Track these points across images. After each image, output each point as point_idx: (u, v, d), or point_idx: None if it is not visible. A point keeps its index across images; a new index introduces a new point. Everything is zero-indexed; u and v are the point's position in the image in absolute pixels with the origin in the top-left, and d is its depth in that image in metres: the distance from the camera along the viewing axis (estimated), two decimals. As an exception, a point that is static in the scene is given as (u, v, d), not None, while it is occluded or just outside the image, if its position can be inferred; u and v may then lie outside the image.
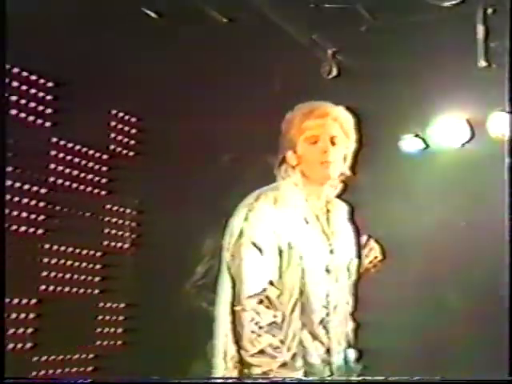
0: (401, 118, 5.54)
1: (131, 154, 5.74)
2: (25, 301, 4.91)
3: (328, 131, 4.31)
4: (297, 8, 5.11)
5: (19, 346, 4.81)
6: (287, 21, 5.24)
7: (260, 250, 4.15)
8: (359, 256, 4.51)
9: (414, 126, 5.62)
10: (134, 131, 5.73)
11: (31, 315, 4.91)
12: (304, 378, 4.16)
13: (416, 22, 4.98)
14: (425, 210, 5.42)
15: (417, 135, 5.71)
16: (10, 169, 4.64)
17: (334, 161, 4.34)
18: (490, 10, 4.88)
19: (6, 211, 4.71)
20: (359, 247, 4.53)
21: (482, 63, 4.96)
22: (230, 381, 4.12)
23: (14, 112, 4.71)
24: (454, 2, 4.75)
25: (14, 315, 4.84)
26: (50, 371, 4.96)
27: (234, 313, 4.19)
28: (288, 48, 5.29)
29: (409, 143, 5.68)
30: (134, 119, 5.76)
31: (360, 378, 4.21)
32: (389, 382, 4.22)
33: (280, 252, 4.19)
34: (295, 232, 4.26)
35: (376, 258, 4.60)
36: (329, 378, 4.24)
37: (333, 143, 4.31)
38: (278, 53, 5.26)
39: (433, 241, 5.40)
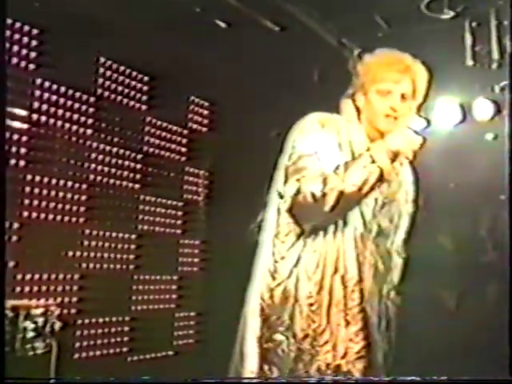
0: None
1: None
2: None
3: (401, 88, 4.58)
4: (329, 17, 6.07)
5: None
6: (322, 27, 6.15)
7: None
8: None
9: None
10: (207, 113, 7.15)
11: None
12: (304, 378, 4.40)
13: (421, 31, 5.82)
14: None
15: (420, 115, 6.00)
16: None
17: (398, 116, 4.64)
18: (474, 23, 5.87)
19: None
20: None
21: (469, 62, 5.88)
22: (230, 381, 4.24)
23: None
24: (448, 16, 5.74)
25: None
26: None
27: None
28: (323, 49, 6.21)
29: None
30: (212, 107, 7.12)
31: (360, 378, 4.41)
32: (389, 381, 4.40)
33: None
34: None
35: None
36: (328, 378, 4.41)
37: (403, 99, 4.60)
38: (316, 52, 6.22)
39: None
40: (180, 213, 6.83)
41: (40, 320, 4.19)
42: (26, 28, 5.46)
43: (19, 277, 5.28)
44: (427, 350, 5.11)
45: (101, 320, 5.87)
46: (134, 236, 6.31)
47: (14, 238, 5.28)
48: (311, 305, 4.46)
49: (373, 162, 4.60)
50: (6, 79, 4.67)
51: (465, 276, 5.54)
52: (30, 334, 4.11)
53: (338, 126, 4.63)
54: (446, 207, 5.83)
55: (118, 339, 6.00)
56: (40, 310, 4.21)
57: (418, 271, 5.45)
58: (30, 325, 4.12)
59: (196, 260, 6.94)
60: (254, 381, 4.24)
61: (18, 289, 5.20)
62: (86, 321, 5.75)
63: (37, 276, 5.40)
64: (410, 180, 5.00)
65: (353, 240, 4.65)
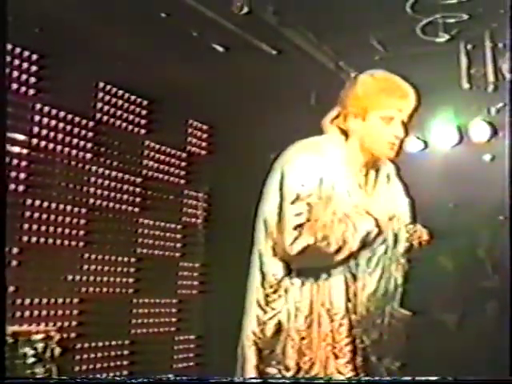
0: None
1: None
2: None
3: (403, 115, 4.31)
4: (326, 40, 6.18)
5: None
6: (319, 51, 6.28)
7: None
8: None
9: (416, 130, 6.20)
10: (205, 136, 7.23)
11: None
12: (303, 378, 4.30)
13: (417, 53, 5.97)
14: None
15: (418, 137, 6.37)
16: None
17: (399, 143, 4.33)
18: (469, 46, 5.95)
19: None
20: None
21: (465, 85, 5.95)
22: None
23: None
24: (443, 39, 5.74)
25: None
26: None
27: None
28: (320, 72, 6.34)
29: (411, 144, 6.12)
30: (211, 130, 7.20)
31: (361, 378, 4.29)
32: (389, 381, 4.31)
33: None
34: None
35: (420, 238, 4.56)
36: (328, 377, 4.32)
37: (403, 125, 4.30)
38: (313, 75, 6.32)
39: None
40: (179, 236, 6.90)
41: (40, 346, 4.20)
42: (26, 53, 5.52)
43: (19, 301, 5.32)
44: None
45: (100, 344, 5.90)
46: (133, 259, 6.36)
47: (14, 262, 5.32)
48: (303, 339, 4.47)
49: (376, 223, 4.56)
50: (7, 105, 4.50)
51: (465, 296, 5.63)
52: (30, 360, 4.12)
53: (325, 152, 4.56)
54: (444, 227, 5.83)
55: (118, 363, 6.03)
56: (40, 336, 4.21)
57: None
58: (29, 351, 4.14)
59: (195, 283, 6.97)
60: (254, 381, 4.20)
61: (18, 313, 5.25)
62: (86, 345, 5.78)
63: (36, 300, 5.44)
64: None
65: (343, 276, 4.64)
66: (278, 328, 4.44)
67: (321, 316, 4.47)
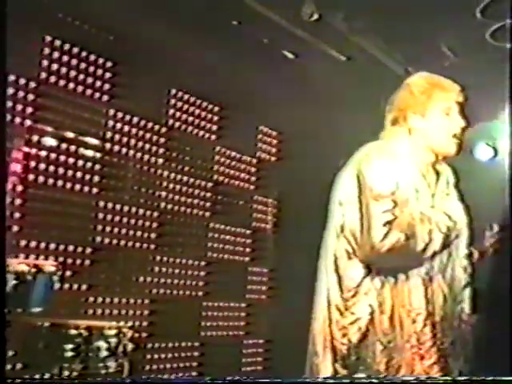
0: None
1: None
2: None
3: (458, 106, 4.44)
4: (395, 46, 6.11)
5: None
6: (388, 56, 6.24)
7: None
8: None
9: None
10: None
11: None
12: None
13: (487, 59, 5.78)
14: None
15: (488, 144, 6.21)
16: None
17: (462, 139, 4.48)
18: None
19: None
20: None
21: None
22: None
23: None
24: None
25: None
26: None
27: None
28: (389, 77, 6.15)
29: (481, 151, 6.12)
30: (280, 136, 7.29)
31: (362, 378, 4.28)
32: (389, 381, 4.15)
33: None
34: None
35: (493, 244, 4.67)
36: (326, 377, 4.38)
37: (463, 115, 4.45)
38: (382, 81, 6.03)
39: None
40: (248, 240, 6.97)
41: (113, 340, 4.31)
42: (101, 60, 5.66)
43: (91, 299, 5.46)
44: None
45: (170, 344, 5.98)
46: (203, 263, 6.44)
47: (87, 262, 5.45)
48: (389, 342, 4.46)
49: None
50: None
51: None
52: (104, 354, 4.23)
53: (396, 153, 4.58)
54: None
55: (187, 364, 6.10)
56: (113, 331, 4.32)
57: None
58: (103, 344, 4.24)
59: (264, 288, 7.02)
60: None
61: (91, 311, 5.39)
62: (156, 344, 5.89)
63: (108, 299, 5.58)
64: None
65: (420, 277, 4.62)
66: (363, 332, 4.44)
67: (402, 317, 4.46)
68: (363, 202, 4.46)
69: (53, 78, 5.35)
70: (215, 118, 6.69)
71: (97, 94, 5.66)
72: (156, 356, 5.86)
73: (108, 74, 5.73)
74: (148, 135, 6.06)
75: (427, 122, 4.48)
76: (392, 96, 4.96)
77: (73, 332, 4.20)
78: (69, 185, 5.39)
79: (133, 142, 5.93)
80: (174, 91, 6.33)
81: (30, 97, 5.19)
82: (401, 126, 4.58)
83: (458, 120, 4.46)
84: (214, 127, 6.67)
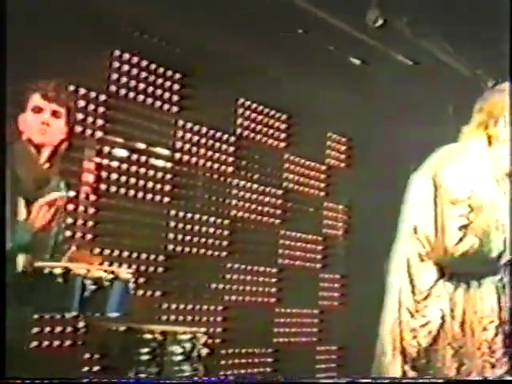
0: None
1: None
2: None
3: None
4: (462, 50, 6.09)
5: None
6: (455, 60, 6.21)
7: None
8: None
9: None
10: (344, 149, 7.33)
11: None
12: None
13: None
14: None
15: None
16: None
17: None
18: None
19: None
20: None
21: None
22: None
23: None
24: None
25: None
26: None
27: None
28: (457, 81, 6.25)
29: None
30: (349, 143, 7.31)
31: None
32: (389, 382, 4.20)
33: None
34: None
35: None
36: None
37: None
38: (450, 84, 6.25)
39: None
40: (320, 247, 6.98)
41: (187, 345, 4.38)
42: (169, 73, 5.76)
43: (165, 306, 5.55)
44: None
45: (244, 350, 6.03)
46: (274, 270, 6.48)
47: (160, 269, 5.54)
48: (460, 347, 4.43)
49: None
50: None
51: None
52: (178, 358, 4.30)
53: (473, 159, 4.58)
54: None
55: (261, 370, 6.13)
56: (187, 336, 4.39)
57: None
58: (178, 349, 4.31)
59: (336, 294, 7.03)
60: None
61: (164, 317, 5.48)
62: (230, 350, 5.95)
63: (182, 306, 5.65)
64: None
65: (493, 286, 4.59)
66: (433, 335, 4.42)
67: (473, 324, 4.43)
68: (438, 204, 4.41)
69: (122, 91, 5.46)
70: (283, 126, 6.73)
71: (166, 106, 5.75)
72: (230, 361, 5.91)
73: (176, 86, 5.82)
74: (217, 144, 6.13)
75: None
76: (482, 99, 4.85)
77: (148, 336, 4.30)
78: (140, 194, 5.49)
79: (202, 151, 6.00)
80: (241, 100, 6.41)
81: (101, 109, 5.30)
82: (487, 130, 4.50)
83: None
84: (283, 135, 6.72)
